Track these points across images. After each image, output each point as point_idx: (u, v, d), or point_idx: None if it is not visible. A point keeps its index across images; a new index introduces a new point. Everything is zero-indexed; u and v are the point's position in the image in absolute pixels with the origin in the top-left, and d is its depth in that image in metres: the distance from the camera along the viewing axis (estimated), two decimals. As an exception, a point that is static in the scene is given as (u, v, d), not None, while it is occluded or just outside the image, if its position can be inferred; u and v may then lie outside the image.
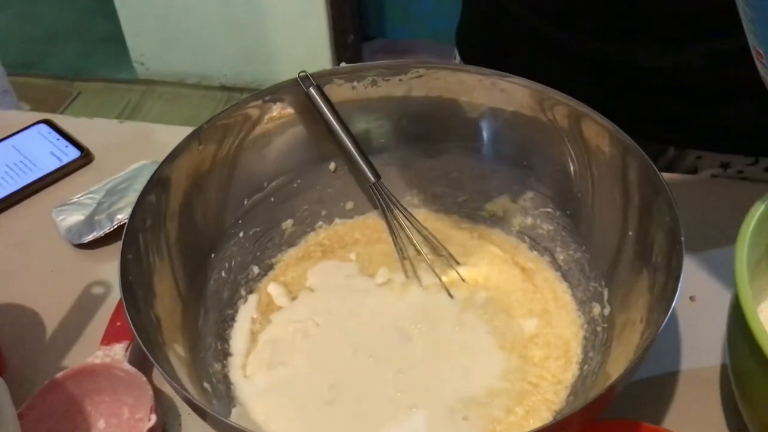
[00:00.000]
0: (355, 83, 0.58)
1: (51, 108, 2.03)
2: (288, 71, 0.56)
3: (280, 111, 0.58)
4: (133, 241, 0.48)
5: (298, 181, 0.60)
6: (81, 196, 0.69)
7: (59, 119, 0.79)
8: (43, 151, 0.75)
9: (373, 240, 0.61)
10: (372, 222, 0.62)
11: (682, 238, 0.44)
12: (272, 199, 0.59)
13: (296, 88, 0.57)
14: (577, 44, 0.65)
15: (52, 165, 0.74)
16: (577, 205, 0.56)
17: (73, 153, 0.75)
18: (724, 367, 0.54)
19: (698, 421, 0.51)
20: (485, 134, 0.59)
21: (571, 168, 0.56)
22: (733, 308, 0.46)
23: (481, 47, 0.75)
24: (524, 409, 0.49)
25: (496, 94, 0.57)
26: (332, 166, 0.61)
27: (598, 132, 0.53)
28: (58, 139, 0.76)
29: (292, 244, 0.61)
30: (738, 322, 0.43)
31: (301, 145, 0.59)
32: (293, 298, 0.58)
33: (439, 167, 0.61)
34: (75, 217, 0.67)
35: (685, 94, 0.65)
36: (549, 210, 0.58)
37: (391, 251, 0.60)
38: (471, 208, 0.61)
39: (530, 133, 0.57)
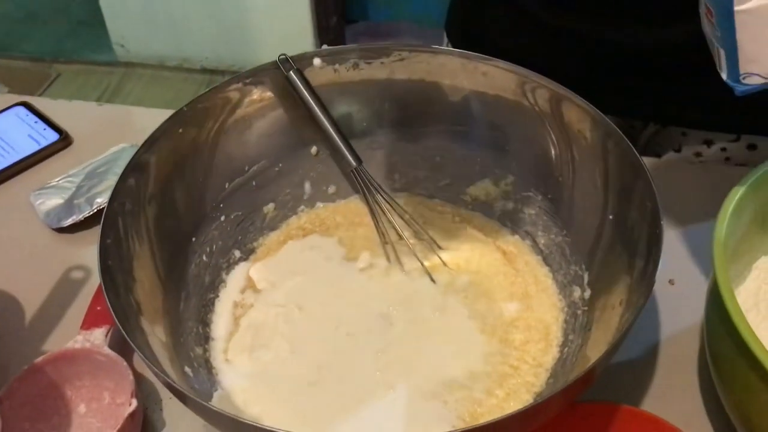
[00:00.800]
0: (336, 66, 0.58)
1: (30, 90, 2.00)
2: (270, 54, 0.55)
3: (261, 94, 0.57)
4: (112, 225, 0.47)
5: (280, 164, 0.60)
6: (60, 180, 0.68)
7: (37, 102, 0.78)
8: (21, 134, 0.74)
9: (355, 224, 0.61)
10: (354, 206, 0.62)
11: (662, 222, 0.45)
12: (254, 183, 0.59)
13: (277, 71, 0.57)
14: (561, 23, 0.65)
15: (30, 148, 0.72)
16: (558, 189, 0.56)
17: (52, 136, 0.74)
18: (702, 349, 0.55)
19: (677, 402, 0.52)
20: (467, 118, 0.59)
21: (553, 152, 0.56)
22: (711, 291, 0.47)
23: (470, 30, 0.75)
24: (505, 392, 0.50)
25: (478, 77, 0.57)
26: (314, 149, 0.60)
27: (580, 116, 0.53)
28: (36, 122, 0.75)
29: (273, 227, 0.61)
30: (716, 305, 0.44)
31: (283, 129, 0.59)
32: (274, 283, 0.57)
33: (422, 151, 0.61)
34: (54, 201, 0.66)
35: (668, 72, 0.66)
36: (530, 194, 0.58)
37: (374, 235, 0.60)
38: (453, 192, 0.61)
39: (512, 117, 0.57)
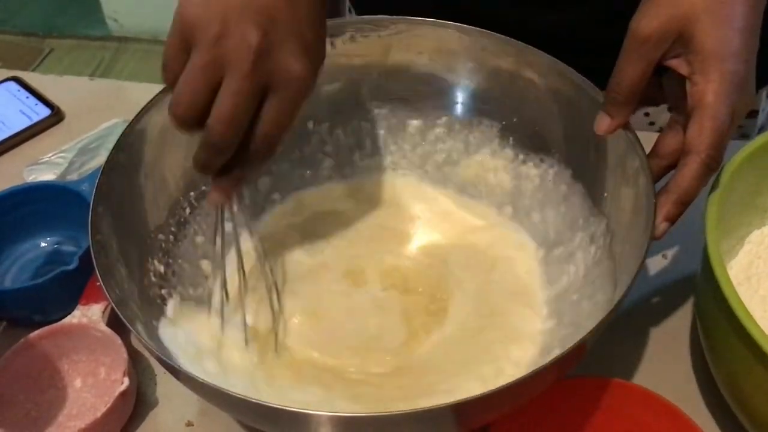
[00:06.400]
0: (332, 39, 0.57)
1: (22, 65, 1.98)
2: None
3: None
4: (104, 199, 0.47)
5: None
6: (52, 156, 0.68)
7: (29, 76, 0.77)
8: (13, 110, 0.73)
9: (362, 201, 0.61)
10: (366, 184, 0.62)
11: (655, 200, 0.45)
12: (248, 157, 0.58)
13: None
14: (476, 6, 0.63)
15: (21, 123, 0.72)
16: (554, 164, 0.56)
17: (43, 111, 0.73)
18: (694, 323, 0.55)
19: (668, 376, 0.52)
20: (465, 92, 0.59)
21: (550, 127, 0.56)
22: (703, 265, 0.47)
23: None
24: (497, 366, 0.50)
25: (477, 51, 0.56)
26: (311, 124, 0.60)
27: (576, 91, 0.52)
28: (27, 97, 0.75)
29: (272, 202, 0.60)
30: (707, 279, 0.44)
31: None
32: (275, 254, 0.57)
33: (421, 126, 0.60)
34: (46, 177, 0.66)
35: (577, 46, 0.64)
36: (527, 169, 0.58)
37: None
38: (449, 165, 0.61)
39: (510, 91, 0.56)
